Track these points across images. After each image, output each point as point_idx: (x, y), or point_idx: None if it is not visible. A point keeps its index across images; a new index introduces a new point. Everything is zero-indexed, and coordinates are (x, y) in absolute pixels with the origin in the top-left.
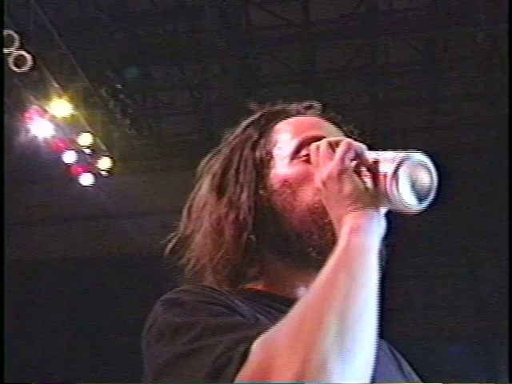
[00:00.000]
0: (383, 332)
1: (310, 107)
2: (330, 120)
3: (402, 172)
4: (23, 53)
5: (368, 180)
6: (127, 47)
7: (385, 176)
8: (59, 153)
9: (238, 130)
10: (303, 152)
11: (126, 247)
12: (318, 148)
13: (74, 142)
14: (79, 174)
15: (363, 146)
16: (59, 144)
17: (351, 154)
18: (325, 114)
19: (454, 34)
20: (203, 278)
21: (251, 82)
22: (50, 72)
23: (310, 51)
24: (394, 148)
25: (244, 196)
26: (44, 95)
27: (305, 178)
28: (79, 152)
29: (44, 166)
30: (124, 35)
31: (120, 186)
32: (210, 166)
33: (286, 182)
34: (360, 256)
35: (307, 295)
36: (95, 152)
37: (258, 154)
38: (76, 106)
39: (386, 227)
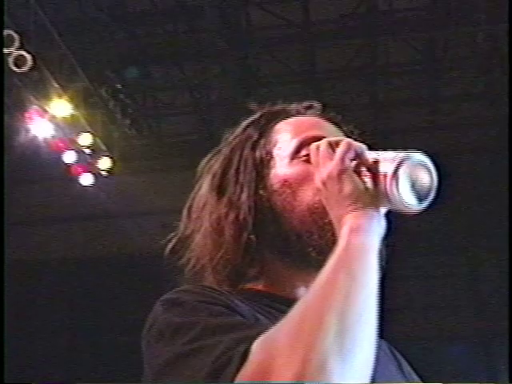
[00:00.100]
0: (383, 332)
1: (310, 107)
2: (330, 120)
3: (402, 172)
4: (23, 53)
5: (368, 180)
6: (127, 47)
7: (385, 176)
8: (59, 153)
9: (238, 129)
10: (303, 152)
11: (125, 247)
12: (317, 148)
13: (74, 141)
14: (79, 174)
15: (363, 146)
16: (59, 144)
17: (351, 154)
18: (325, 114)
19: (454, 34)
20: (203, 278)
21: (251, 81)
22: (50, 72)
23: (309, 51)
24: (394, 148)
25: (244, 196)
26: (44, 95)
27: (305, 178)
28: (79, 152)
29: (44, 166)
30: (124, 35)
31: (120, 186)
32: (210, 166)
33: (286, 182)
34: (360, 256)
35: (307, 295)
36: (95, 152)
37: (258, 154)
38: (76, 106)
39: (386, 227)
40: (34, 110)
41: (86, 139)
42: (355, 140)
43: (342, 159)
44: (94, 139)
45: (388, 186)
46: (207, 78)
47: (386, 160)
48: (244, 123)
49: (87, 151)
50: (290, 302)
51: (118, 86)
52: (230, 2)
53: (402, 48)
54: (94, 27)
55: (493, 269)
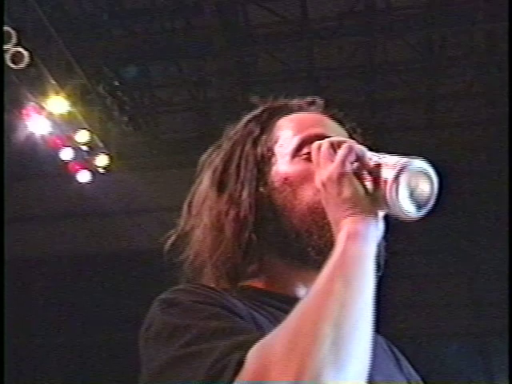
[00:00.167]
0: (380, 329)
1: (312, 103)
2: (332, 117)
3: (402, 179)
4: (20, 49)
5: (368, 184)
6: (125, 44)
7: (385, 182)
8: (56, 150)
9: (240, 124)
10: (304, 150)
11: (123, 244)
12: (319, 148)
13: (71, 138)
14: (76, 171)
15: (365, 149)
16: (56, 141)
17: (352, 157)
18: (327, 110)
19: (452, 33)
20: (202, 275)
21: (249, 79)
22: (47, 69)
23: (307, 49)
24: (392, 147)
25: (245, 193)
26: (41, 92)
27: (305, 177)
28: (76, 149)
29: (41, 163)
30: (122, 32)
31: (117, 183)
32: (211, 161)
33: (286, 180)
34: (356, 263)
35: (303, 302)
36: (92, 149)
37: (259, 150)
38: (73, 103)
39: (385, 226)
40: (31, 106)
41: (83, 136)
42: (357, 138)
43: (343, 162)
44: (92, 136)
45: (388, 193)
46: (205, 75)
47: (388, 165)
48: (245, 118)
49: (84, 148)
50: (288, 299)
51: (116, 83)
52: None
53: (400, 46)
54: (92, 24)
55: (491, 268)
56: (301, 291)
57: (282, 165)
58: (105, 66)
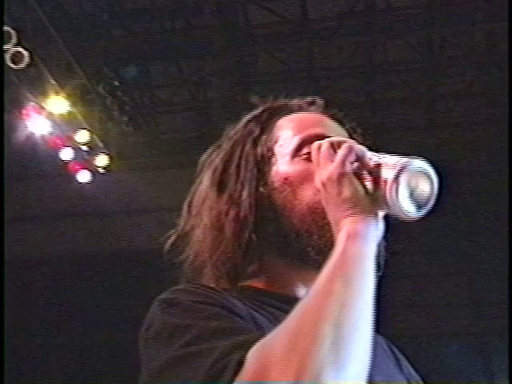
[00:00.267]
0: (380, 329)
1: (312, 103)
2: (332, 117)
3: (402, 179)
4: (20, 49)
5: (368, 184)
6: (125, 44)
7: (385, 182)
8: (56, 150)
9: (240, 124)
10: (304, 150)
11: (123, 244)
12: (319, 148)
13: (71, 138)
14: (76, 171)
15: (365, 149)
16: (56, 141)
17: (352, 157)
18: (327, 110)
19: (452, 32)
20: (202, 275)
21: (249, 79)
22: (47, 69)
23: (307, 49)
24: (392, 146)
25: (245, 193)
26: (41, 92)
27: (305, 177)
28: (76, 149)
29: (41, 163)
30: (122, 32)
31: (117, 183)
32: (211, 161)
33: (286, 180)
34: (356, 263)
35: (303, 302)
36: (92, 149)
37: (259, 150)
38: (73, 103)
39: (385, 225)
40: (31, 106)
41: (83, 136)
42: (357, 138)
43: (343, 162)
44: (92, 136)
45: (388, 193)
46: (205, 75)
47: (388, 165)
48: (245, 118)
49: (84, 148)
50: (288, 299)
51: (116, 83)
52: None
53: (400, 46)
54: (92, 24)
55: (491, 268)
56: (301, 291)
57: (282, 165)
58: (105, 65)
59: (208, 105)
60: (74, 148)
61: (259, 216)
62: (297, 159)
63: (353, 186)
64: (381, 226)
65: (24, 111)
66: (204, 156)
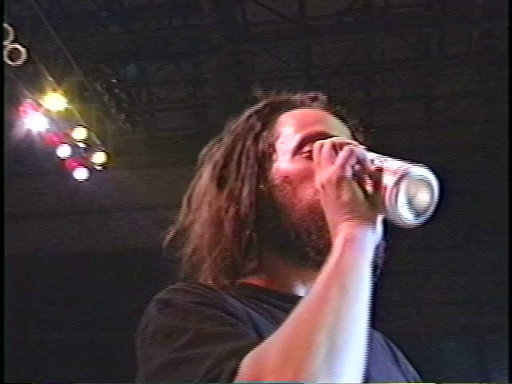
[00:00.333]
0: (376, 327)
1: (315, 99)
2: (335, 114)
3: (402, 186)
4: (17, 46)
5: (368, 188)
6: (123, 41)
7: (385, 188)
8: (53, 147)
9: (241, 119)
10: (306, 148)
11: (120, 242)
12: (321, 147)
13: (68, 136)
14: (73, 168)
15: (366, 153)
16: (53, 138)
17: (353, 161)
18: (330, 106)
19: (450, 31)
20: (200, 271)
21: (247, 77)
22: (44, 66)
23: (305, 47)
24: (389, 145)
25: (245, 190)
26: (38, 89)
27: (306, 176)
28: (73, 146)
29: (38, 160)
30: (119, 29)
31: (114, 180)
32: (211, 155)
33: (286, 178)
34: (352, 269)
35: (299, 309)
36: (90, 146)
37: (260, 146)
38: (70, 100)
39: (384, 226)
40: (28, 103)
41: (80, 133)
42: (359, 135)
43: (343, 165)
44: (89, 133)
45: (387, 199)
46: (203, 73)
47: (389, 170)
48: (247, 112)
49: (82, 145)
50: (287, 297)
51: (113, 80)
52: None
53: (398, 44)
54: (90, 21)
55: (489, 267)
56: (300, 290)
57: (283, 162)
58: (102, 63)
59: (206, 102)
60: (71, 145)
61: (259, 214)
62: (298, 157)
63: (352, 190)
64: (379, 230)
65: (21, 108)
66: (204, 149)
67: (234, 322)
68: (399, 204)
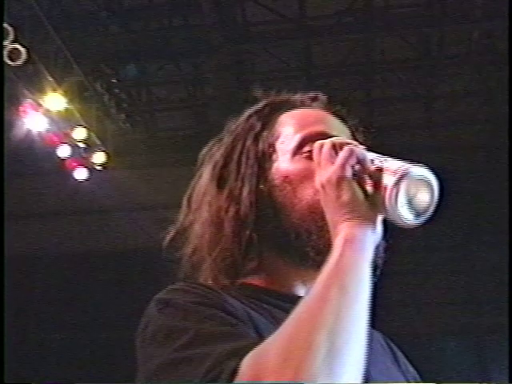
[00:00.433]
0: (376, 327)
1: (315, 99)
2: (335, 114)
3: (402, 187)
4: (17, 46)
5: (368, 188)
6: (123, 41)
7: (385, 188)
8: (53, 147)
9: (241, 118)
10: (306, 148)
11: (120, 242)
12: (321, 148)
13: (68, 136)
14: (73, 168)
15: (366, 153)
16: (53, 138)
17: (353, 161)
18: (330, 106)
19: (450, 31)
20: (200, 270)
21: (247, 77)
22: (44, 66)
23: (305, 47)
24: (389, 145)
25: (245, 190)
26: (38, 89)
27: (306, 176)
28: (73, 146)
29: (38, 160)
30: (119, 29)
31: (114, 180)
32: (211, 155)
33: (286, 178)
34: (352, 269)
35: (299, 309)
36: (90, 146)
37: (260, 146)
38: (70, 100)
39: (385, 226)
40: (28, 103)
41: (80, 133)
42: (359, 135)
43: (343, 166)
44: (89, 133)
45: (387, 199)
46: (203, 73)
47: (389, 170)
48: (247, 112)
49: (82, 145)
50: (287, 297)
51: (113, 80)
52: None
53: (398, 44)
54: (90, 21)
55: (489, 266)
56: (300, 289)
57: (283, 162)
58: (102, 63)
59: (206, 102)
60: (71, 145)
61: (259, 214)
62: (298, 157)
63: (352, 190)
64: (379, 230)
65: (21, 108)
66: (204, 149)
67: (234, 322)
68: (399, 204)
